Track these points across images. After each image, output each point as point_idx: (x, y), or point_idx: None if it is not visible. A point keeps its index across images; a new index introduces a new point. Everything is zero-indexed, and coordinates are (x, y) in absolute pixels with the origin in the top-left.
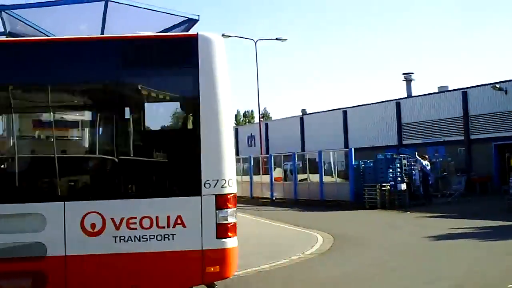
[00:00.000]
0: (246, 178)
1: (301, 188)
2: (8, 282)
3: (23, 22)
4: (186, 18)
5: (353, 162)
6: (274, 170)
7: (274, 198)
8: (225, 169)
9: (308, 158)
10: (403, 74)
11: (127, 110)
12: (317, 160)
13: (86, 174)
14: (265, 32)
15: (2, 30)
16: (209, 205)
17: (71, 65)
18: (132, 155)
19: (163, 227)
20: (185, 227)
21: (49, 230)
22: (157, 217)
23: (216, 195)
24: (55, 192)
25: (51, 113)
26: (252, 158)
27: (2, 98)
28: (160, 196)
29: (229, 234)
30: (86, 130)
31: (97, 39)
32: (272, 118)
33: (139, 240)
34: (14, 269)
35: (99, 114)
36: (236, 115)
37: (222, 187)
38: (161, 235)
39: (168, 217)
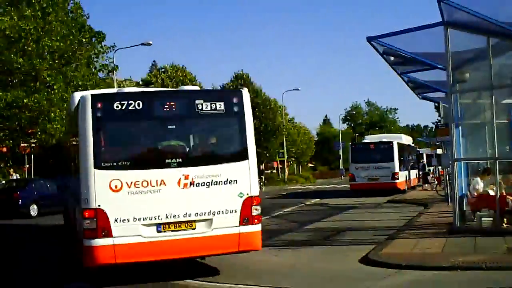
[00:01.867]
0: None
1: None
2: None
3: (463, 10)
4: None
5: None
6: None
7: None
8: (85, 191)
9: None
10: None
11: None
12: None
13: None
14: None
15: (440, 20)
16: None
17: None
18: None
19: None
20: None
21: None
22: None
23: (82, 208)
24: None
25: None
26: None
27: None
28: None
29: (87, 236)
30: None
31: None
32: None
33: None
34: None
35: None
36: None
37: (80, 202)
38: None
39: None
